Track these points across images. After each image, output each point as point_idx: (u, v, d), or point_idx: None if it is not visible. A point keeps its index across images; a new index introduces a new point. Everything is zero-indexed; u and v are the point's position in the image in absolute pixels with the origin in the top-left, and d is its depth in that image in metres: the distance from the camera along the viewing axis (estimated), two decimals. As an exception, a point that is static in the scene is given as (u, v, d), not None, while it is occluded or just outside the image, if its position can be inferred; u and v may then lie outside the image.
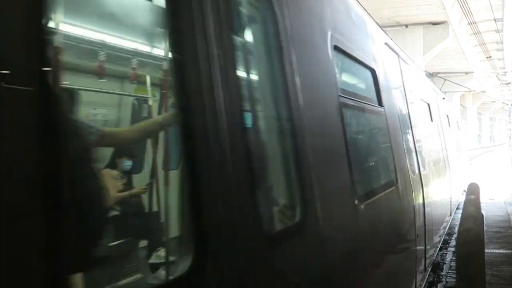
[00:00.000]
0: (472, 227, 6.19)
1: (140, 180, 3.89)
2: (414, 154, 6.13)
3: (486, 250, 7.55)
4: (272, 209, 2.09)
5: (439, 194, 8.88)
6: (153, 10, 2.31)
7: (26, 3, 1.19)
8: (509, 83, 53.18)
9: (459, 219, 7.30)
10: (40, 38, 1.22)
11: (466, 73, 54.14)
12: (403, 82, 6.32)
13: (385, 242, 3.78)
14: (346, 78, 3.71)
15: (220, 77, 1.73)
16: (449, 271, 9.77)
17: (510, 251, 10.14)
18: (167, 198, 2.85)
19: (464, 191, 14.52)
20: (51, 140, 1.17)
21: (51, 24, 1.28)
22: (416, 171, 5.98)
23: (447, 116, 13.84)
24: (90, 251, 1.92)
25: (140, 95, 3.94)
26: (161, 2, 1.72)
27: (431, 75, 40.05)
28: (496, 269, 8.80)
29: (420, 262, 5.76)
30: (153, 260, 2.99)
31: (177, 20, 1.61)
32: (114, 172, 3.39)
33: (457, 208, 14.13)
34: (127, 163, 3.52)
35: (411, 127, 6.28)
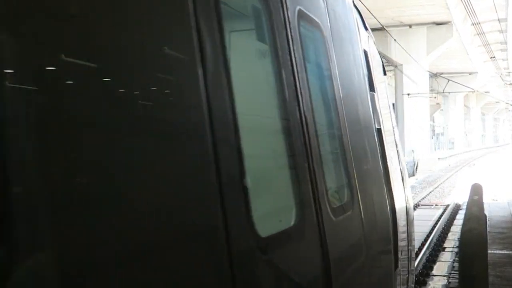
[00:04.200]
0: (475, 227, 6.18)
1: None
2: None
3: (489, 251, 7.54)
4: None
5: None
6: None
7: None
8: (513, 83, 53.07)
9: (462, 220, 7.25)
10: None
11: (470, 73, 54.07)
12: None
13: None
14: None
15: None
16: (452, 272, 9.75)
17: (513, 252, 10.12)
18: None
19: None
20: None
21: None
22: None
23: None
24: None
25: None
26: None
27: (434, 75, 40.00)
28: (500, 269, 8.78)
29: None
30: None
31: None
32: None
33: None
34: None
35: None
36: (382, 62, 5.50)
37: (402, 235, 4.56)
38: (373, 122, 4.04)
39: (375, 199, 3.77)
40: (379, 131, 4.17)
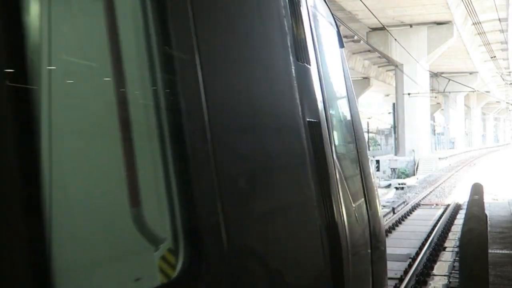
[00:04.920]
0: (476, 227, 6.19)
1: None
2: None
3: (489, 251, 7.55)
4: None
5: None
6: None
7: None
8: (514, 83, 53.08)
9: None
10: None
11: (471, 73, 54.10)
12: None
13: None
14: None
15: None
16: (453, 271, 9.76)
17: (514, 252, 10.13)
18: None
19: None
20: None
21: None
22: None
23: None
24: None
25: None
26: None
27: (435, 74, 40.01)
28: (500, 269, 8.78)
29: None
30: None
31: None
32: None
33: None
34: None
35: None
36: (338, 28, 3.87)
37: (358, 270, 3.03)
38: (299, 111, 2.44)
39: (288, 242, 2.23)
40: (313, 125, 2.59)
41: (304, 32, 2.74)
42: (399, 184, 29.30)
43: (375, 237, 3.60)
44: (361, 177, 3.63)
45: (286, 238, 2.23)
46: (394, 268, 9.97)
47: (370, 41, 34.51)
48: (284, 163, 2.32)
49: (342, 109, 3.67)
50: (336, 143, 3.06)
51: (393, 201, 21.54)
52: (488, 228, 10.17)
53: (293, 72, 2.49)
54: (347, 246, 2.75)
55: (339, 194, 2.83)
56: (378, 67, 52.70)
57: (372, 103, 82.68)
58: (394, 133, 40.30)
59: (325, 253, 2.51)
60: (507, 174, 28.49)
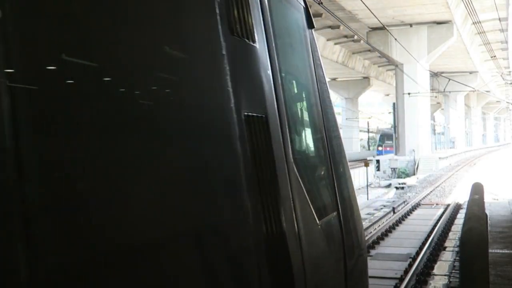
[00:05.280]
0: (476, 227, 6.18)
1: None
2: None
3: (490, 250, 7.54)
4: None
5: None
6: None
7: None
8: (514, 82, 53.06)
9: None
10: None
11: (471, 72, 54.05)
12: None
13: None
14: None
15: None
16: (453, 271, 9.76)
17: (514, 251, 10.12)
18: None
19: None
20: None
21: None
22: None
23: None
24: None
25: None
26: None
27: (435, 74, 39.99)
28: (500, 269, 8.78)
29: None
30: None
31: None
32: None
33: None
34: None
35: None
36: (306, 5, 3.12)
37: None
38: (231, 102, 1.82)
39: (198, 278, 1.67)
40: (254, 121, 1.96)
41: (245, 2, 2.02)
42: (399, 183, 29.29)
43: (352, 260, 2.85)
44: (334, 185, 2.85)
45: (195, 274, 1.61)
46: (394, 268, 9.97)
47: (370, 40, 34.48)
48: (190, 170, 1.64)
49: (307, 102, 2.88)
50: (295, 144, 2.42)
51: (393, 201, 21.52)
52: (489, 228, 10.17)
53: (223, 48, 1.78)
54: (303, 275, 2.10)
55: (293, 207, 2.16)
56: (378, 66, 52.67)
57: (372, 102, 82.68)
58: (394, 132, 40.25)
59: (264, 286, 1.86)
60: (508, 173, 28.47)
